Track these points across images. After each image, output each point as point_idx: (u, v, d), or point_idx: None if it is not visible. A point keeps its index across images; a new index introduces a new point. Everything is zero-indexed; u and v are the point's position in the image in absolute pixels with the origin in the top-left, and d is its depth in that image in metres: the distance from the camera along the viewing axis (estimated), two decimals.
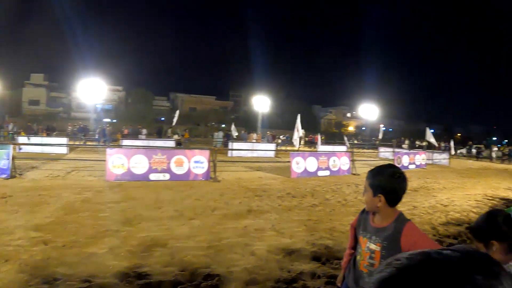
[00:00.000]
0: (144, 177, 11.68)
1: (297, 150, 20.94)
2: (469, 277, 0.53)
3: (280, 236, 6.35)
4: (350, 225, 2.63)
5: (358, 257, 2.35)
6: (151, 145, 22.64)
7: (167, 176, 12.03)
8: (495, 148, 42.21)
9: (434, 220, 8.47)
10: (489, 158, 38.86)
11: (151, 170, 11.86)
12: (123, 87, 68.92)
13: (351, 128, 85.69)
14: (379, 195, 2.14)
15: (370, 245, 2.25)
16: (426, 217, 8.70)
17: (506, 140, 73.72)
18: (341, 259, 5.20)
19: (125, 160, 11.61)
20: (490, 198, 12.45)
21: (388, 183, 2.12)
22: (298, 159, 15.39)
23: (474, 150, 43.87)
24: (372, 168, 2.23)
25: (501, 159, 37.77)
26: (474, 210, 10.03)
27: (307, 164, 15.56)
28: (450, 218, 8.85)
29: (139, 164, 11.74)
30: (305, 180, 13.92)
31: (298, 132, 21.20)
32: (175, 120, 29.92)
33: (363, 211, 2.42)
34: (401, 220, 2.18)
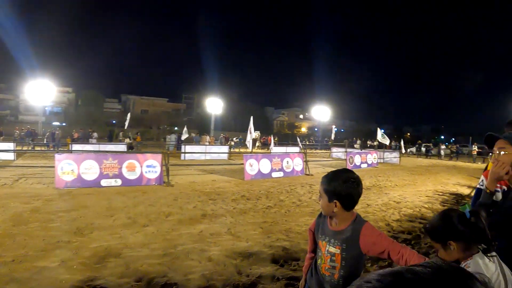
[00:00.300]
0: (95, 183, 11.35)
1: (251, 152, 20.96)
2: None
3: (236, 239, 6.34)
4: (308, 229, 2.64)
5: (319, 261, 2.36)
6: (102, 149, 22.15)
7: (119, 182, 11.74)
8: (443, 146, 44.11)
9: (387, 217, 8.73)
10: (438, 155, 40.70)
11: (102, 176, 11.54)
12: (72, 89, 66.25)
13: (303, 129, 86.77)
14: (335, 201, 2.14)
15: (329, 248, 2.27)
16: (380, 214, 8.96)
17: (454, 138, 77.17)
18: (299, 260, 5.30)
19: (75, 166, 11.23)
20: (441, 193, 13.00)
21: (343, 188, 2.12)
22: (252, 161, 15.43)
23: (423, 149, 45.68)
24: (326, 173, 2.24)
25: (449, 156, 39.84)
26: (426, 205, 10.47)
27: (260, 166, 15.63)
28: (403, 214, 9.15)
29: (90, 169, 11.40)
30: (259, 182, 13.97)
31: (251, 134, 21.22)
32: (127, 123, 29.36)
33: (320, 214, 2.43)
34: (359, 222, 2.21)
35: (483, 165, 30.03)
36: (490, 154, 3.07)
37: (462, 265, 1.87)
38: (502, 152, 2.32)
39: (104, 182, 11.51)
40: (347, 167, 20.41)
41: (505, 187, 2.50)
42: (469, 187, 15.38)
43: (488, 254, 1.88)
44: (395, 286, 0.56)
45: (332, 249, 2.25)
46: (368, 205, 10.11)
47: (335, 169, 2.29)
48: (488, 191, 2.41)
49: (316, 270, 2.41)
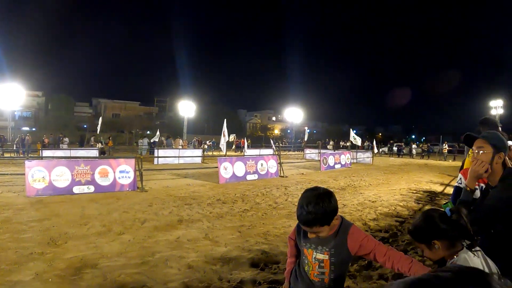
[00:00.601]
0: (67, 191, 11.08)
1: (225, 155, 20.90)
2: None
3: (215, 245, 6.27)
4: (288, 237, 2.63)
5: (306, 268, 2.34)
6: (73, 155, 21.67)
7: (91, 189, 11.50)
8: (415, 145, 45.22)
9: (364, 216, 8.84)
10: (410, 154, 41.74)
11: (74, 183, 11.28)
12: (43, 93, 64.46)
13: (276, 131, 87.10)
14: (318, 225, 2.12)
15: (317, 256, 2.25)
16: (357, 214, 9.06)
17: (424, 138, 79.00)
18: (279, 263, 5.28)
19: (46, 173, 10.91)
20: (414, 191, 13.29)
21: (321, 211, 2.07)
22: (226, 164, 15.37)
23: (395, 148, 46.61)
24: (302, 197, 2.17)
25: (420, 155, 40.94)
26: (401, 204, 10.67)
27: (235, 168, 15.59)
28: (379, 213, 9.29)
29: (61, 176, 11.12)
30: (234, 185, 13.92)
31: (225, 137, 21.16)
32: (99, 127, 28.90)
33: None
34: (345, 225, 2.22)
35: (454, 163, 31.23)
36: (469, 153, 3.14)
37: (449, 262, 1.94)
38: (481, 152, 2.38)
39: (76, 189, 11.25)
40: (321, 168, 20.76)
41: (483, 185, 2.58)
42: (441, 184, 15.86)
43: (473, 249, 1.91)
44: None
45: (320, 256, 2.24)
46: (344, 205, 10.19)
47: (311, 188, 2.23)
48: (468, 189, 2.45)
49: (303, 276, 2.38)
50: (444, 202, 2.10)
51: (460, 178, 2.84)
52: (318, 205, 2.05)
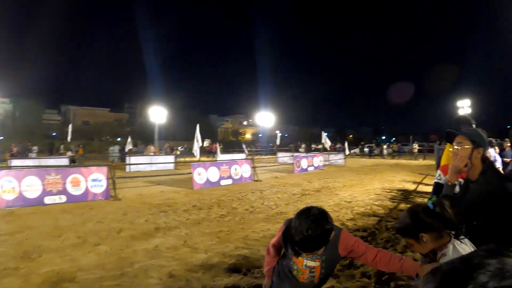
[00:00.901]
0: (39, 201, 10.75)
1: (198, 161, 20.76)
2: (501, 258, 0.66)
3: (194, 252, 6.19)
4: (272, 245, 2.55)
5: (295, 273, 2.33)
6: (43, 164, 21.08)
7: (63, 199, 11.20)
8: (385, 146, 46.09)
9: (341, 217, 8.95)
10: (381, 155, 42.46)
11: (45, 193, 10.96)
12: (10, 99, 62.47)
13: (248, 136, 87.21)
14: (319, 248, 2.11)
15: (308, 263, 2.25)
16: (334, 215, 9.06)
17: (394, 138, 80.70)
18: (261, 267, 5.20)
19: (16, 184, 10.56)
20: (388, 190, 13.57)
21: (322, 235, 2.05)
22: (200, 169, 15.27)
23: (366, 149, 47.43)
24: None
25: (391, 155, 41.75)
26: (376, 203, 10.87)
27: (209, 174, 15.49)
28: (355, 213, 9.45)
29: (32, 186, 10.78)
30: (208, 191, 13.83)
31: (198, 142, 21.00)
32: (69, 135, 28.31)
33: (285, 231, 2.35)
34: (336, 231, 2.21)
35: (424, 162, 32.05)
36: (447, 150, 3.29)
37: (439, 254, 2.01)
38: (461, 147, 2.44)
39: (47, 200, 10.95)
40: (294, 171, 20.84)
41: (461, 180, 2.65)
42: (414, 182, 16.31)
43: (459, 238, 2.01)
44: (470, 268, 0.66)
45: (311, 263, 2.24)
46: (321, 207, 10.19)
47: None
48: (449, 183, 2.52)
49: (290, 277, 2.37)
50: (429, 198, 2.16)
51: (439, 174, 2.97)
52: (319, 229, 2.02)
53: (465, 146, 2.41)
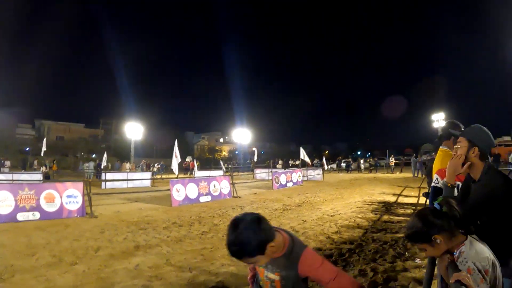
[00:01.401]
0: (11, 218, 10.23)
1: (176, 177, 20.43)
2: None
3: (179, 270, 5.87)
4: None
5: (261, 283, 2.26)
6: (16, 179, 20.36)
7: (37, 215, 10.72)
8: (362, 160, 46.78)
9: (326, 230, 8.84)
10: (358, 169, 43.19)
11: (18, 209, 10.45)
12: None
13: (224, 153, 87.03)
14: (247, 257, 1.95)
15: (268, 275, 2.15)
16: (318, 229, 9.03)
17: (369, 153, 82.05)
18: None
19: None
20: (369, 203, 13.66)
21: (246, 243, 1.89)
22: (178, 186, 14.98)
23: (343, 164, 48.04)
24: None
25: (368, 169, 42.41)
26: (359, 215, 10.86)
27: (187, 190, 15.22)
28: (340, 226, 9.36)
29: (4, 202, 10.25)
30: (187, 208, 13.54)
31: (177, 158, 20.66)
32: (43, 150, 27.62)
33: None
34: (297, 249, 2.07)
35: (401, 175, 32.61)
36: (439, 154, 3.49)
37: (457, 252, 2.00)
38: (458, 146, 2.57)
39: (20, 216, 10.45)
40: (273, 187, 20.71)
41: (459, 183, 2.73)
42: (393, 195, 16.56)
43: (469, 236, 2.05)
44: None
45: (271, 275, 2.14)
46: (304, 221, 10.17)
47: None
48: (449, 185, 2.58)
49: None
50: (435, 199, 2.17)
51: (437, 178, 3.05)
52: (243, 236, 1.88)
53: (462, 145, 2.52)
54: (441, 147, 3.49)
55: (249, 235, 1.87)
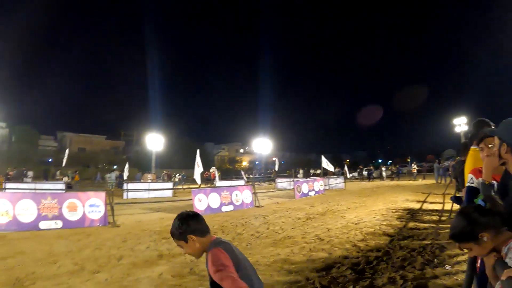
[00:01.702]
0: (33, 226, 10.25)
1: (199, 187, 20.35)
2: None
3: (203, 279, 5.66)
4: None
5: None
6: (38, 188, 20.47)
7: (59, 224, 10.71)
8: (384, 168, 46.27)
9: (352, 238, 8.60)
10: (380, 177, 42.67)
11: (40, 218, 10.47)
12: (6, 124, 61.60)
13: (244, 163, 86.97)
14: (188, 236, 2.36)
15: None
16: (344, 236, 8.81)
17: (390, 161, 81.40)
18: None
19: (10, 206, 10.10)
20: (394, 210, 13.37)
21: (174, 227, 2.42)
22: (200, 196, 14.91)
23: (365, 172, 47.59)
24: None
25: (390, 177, 41.94)
26: (384, 223, 10.59)
27: (210, 200, 15.11)
28: (365, 233, 9.10)
29: (27, 210, 10.29)
30: (210, 217, 13.33)
31: (199, 167, 20.58)
32: (65, 160, 27.88)
33: None
34: (210, 246, 2.34)
35: (424, 181, 32.11)
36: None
37: (505, 249, 1.87)
38: (491, 145, 2.61)
39: (42, 225, 10.46)
40: (296, 196, 20.45)
41: (494, 182, 2.62)
42: (418, 201, 16.26)
43: None
44: None
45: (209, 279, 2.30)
46: (329, 229, 9.95)
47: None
48: (487, 182, 2.57)
49: None
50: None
51: (472, 178, 2.96)
52: (174, 222, 2.42)
53: (494, 143, 2.45)
54: (472, 147, 3.41)
55: (175, 223, 2.39)
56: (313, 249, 7.59)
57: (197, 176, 20.76)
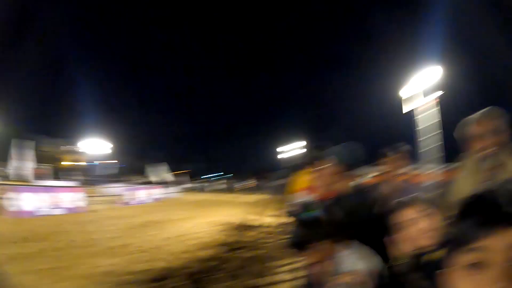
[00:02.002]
0: None
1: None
2: None
3: None
4: None
5: None
6: None
7: None
8: (218, 182, 48.22)
9: (189, 247, 8.51)
10: (218, 190, 44.27)
11: None
12: None
13: (75, 163, 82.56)
14: None
15: None
16: (180, 246, 8.78)
17: (226, 175, 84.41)
18: None
19: None
20: (226, 223, 13.07)
21: None
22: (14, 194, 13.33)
23: (200, 184, 48.99)
24: None
25: (224, 190, 43.68)
26: (222, 233, 10.74)
27: (29, 201, 13.68)
28: (200, 243, 9.09)
29: None
30: (26, 221, 11.96)
31: (30, 162, 18.71)
32: None
33: None
34: None
35: (257, 197, 33.04)
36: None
37: (337, 257, 2.00)
38: (323, 166, 2.63)
39: None
40: (129, 203, 19.59)
41: (326, 200, 2.68)
42: (250, 214, 16.25)
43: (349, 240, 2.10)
44: None
45: None
46: (167, 238, 9.88)
47: None
48: (318, 199, 2.64)
49: None
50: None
51: (303, 194, 3.23)
52: None
53: (325, 165, 2.56)
54: (306, 167, 3.61)
55: None
56: (149, 259, 7.30)
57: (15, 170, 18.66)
